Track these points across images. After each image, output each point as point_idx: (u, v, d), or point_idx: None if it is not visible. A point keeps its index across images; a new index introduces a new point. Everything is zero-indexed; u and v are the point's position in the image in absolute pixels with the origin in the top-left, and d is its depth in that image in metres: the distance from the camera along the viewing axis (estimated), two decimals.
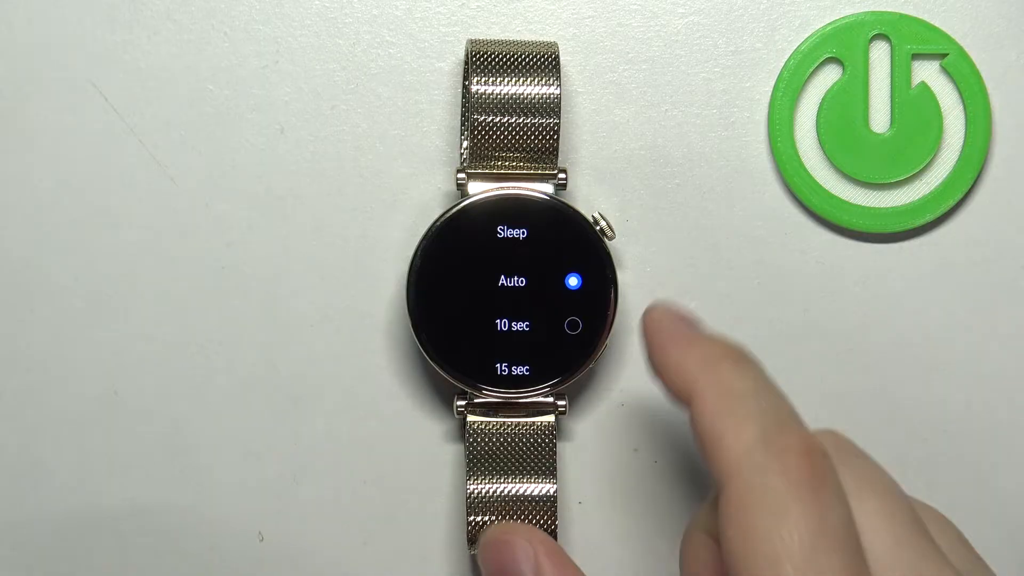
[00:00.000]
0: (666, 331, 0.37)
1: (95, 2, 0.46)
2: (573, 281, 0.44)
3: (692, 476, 0.47)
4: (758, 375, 0.35)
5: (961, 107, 0.47)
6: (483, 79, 0.44)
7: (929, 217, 0.47)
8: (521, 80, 0.44)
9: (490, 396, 0.44)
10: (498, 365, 0.44)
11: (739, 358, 0.35)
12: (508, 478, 0.44)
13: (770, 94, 0.47)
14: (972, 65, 0.47)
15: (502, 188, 0.44)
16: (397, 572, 0.47)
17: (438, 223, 0.44)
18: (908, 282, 0.48)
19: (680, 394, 0.35)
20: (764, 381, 0.35)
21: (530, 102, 0.44)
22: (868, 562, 0.31)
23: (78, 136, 0.46)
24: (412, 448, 0.47)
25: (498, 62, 0.44)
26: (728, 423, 0.33)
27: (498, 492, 0.44)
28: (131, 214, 0.46)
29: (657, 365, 0.37)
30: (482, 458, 0.44)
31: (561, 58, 0.46)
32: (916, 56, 0.47)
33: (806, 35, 0.47)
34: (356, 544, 0.47)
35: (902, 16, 0.47)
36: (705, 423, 0.34)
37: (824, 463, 0.32)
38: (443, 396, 0.47)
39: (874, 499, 0.34)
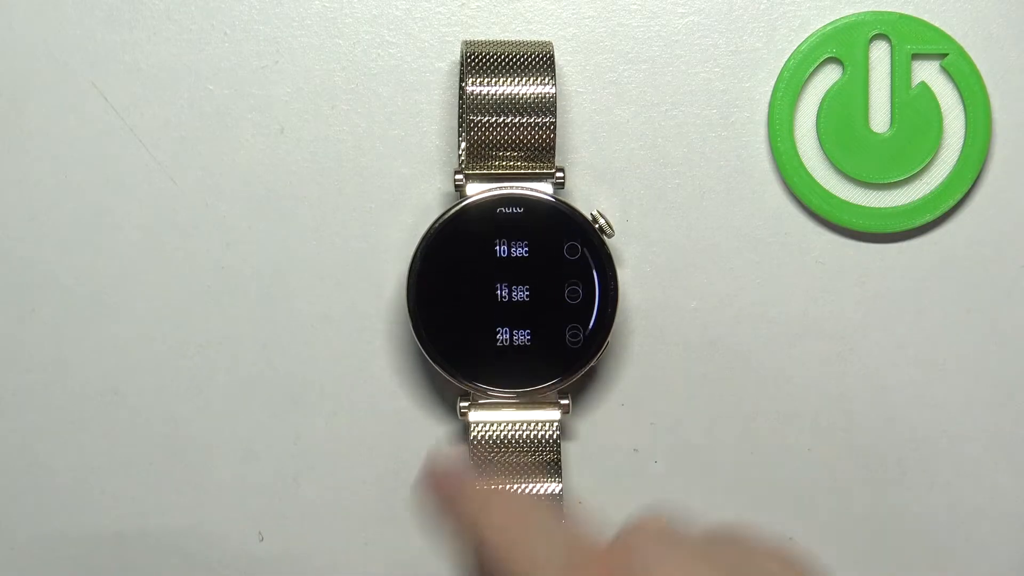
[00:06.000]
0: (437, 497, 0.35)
1: (95, 2, 0.46)
2: None
3: (692, 476, 0.47)
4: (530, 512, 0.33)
5: (961, 107, 0.47)
6: (478, 80, 0.43)
7: (929, 217, 0.47)
8: (516, 80, 0.44)
9: (493, 397, 0.44)
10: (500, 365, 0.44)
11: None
12: (514, 478, 0.44)
13: (770, 94, 0.47)
14: (972, 65, 0.47)
15: (501, 188, 0.44)
16: (397, 572, 0.47)
17: (437, 224, 0.44)
18: (908, 282, 0.48)
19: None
20: (533, 516, 0.33)
21: (526, 101, 0.44)
22: None
23: (78, 136, 0.46)
24: (412, 448, 0.47)
25: (493, 63, 0.44)
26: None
27: None
28: (131, 214, 0.46)
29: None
30: (487, 459, 0.44)
31: (561, 58, 0.46)
32: (916, 56, 0.47)
33: (806, 35, 0.47)
34: (356, 544, 0.47)
35: (902, 16, 0.47)
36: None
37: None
38: (444, 397, 0.47)
39: None
